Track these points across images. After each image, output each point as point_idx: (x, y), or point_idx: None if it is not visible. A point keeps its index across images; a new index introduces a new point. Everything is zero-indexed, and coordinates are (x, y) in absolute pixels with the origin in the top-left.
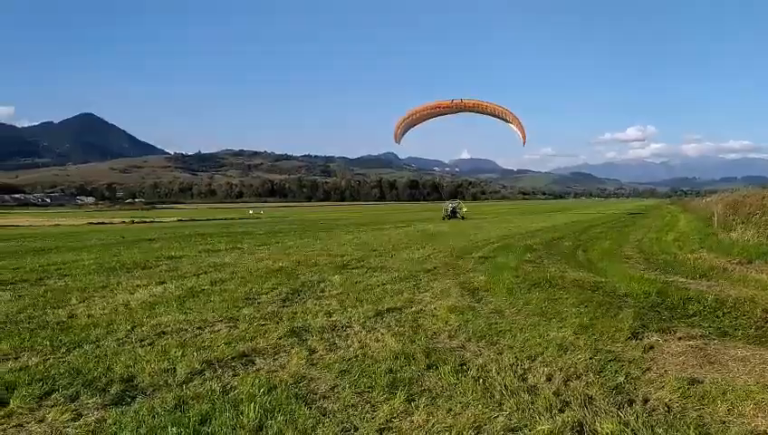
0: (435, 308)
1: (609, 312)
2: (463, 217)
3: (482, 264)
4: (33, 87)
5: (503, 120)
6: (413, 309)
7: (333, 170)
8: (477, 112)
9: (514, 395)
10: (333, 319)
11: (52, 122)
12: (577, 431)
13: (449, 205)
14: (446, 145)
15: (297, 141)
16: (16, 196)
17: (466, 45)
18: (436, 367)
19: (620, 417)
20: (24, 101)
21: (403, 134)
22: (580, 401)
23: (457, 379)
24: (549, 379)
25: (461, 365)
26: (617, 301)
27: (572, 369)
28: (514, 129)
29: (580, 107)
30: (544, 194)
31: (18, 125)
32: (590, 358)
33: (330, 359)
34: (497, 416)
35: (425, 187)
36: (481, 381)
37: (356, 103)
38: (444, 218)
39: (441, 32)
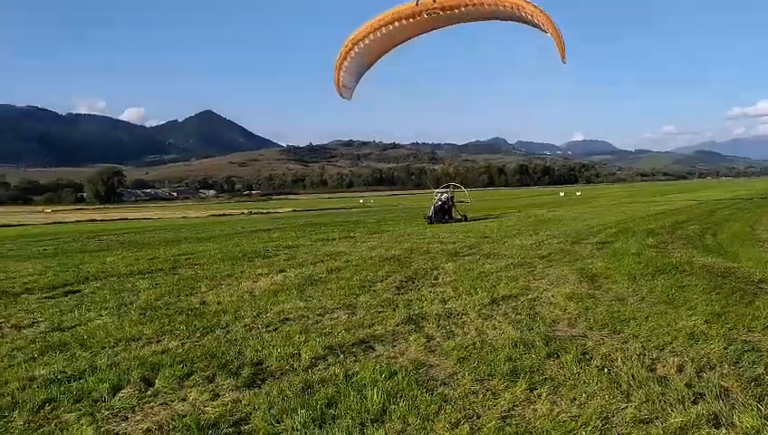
0: (552, 296)
1: (743, 299)
2: (464, 218)
3: (600, 249)
4: (159, 89)
5: (518, 20)
6: (529, 296)
7: (441, 157)
8: (467, 19)
9: (643, 386)
10: (449, 306)
11: (176, 121)
12: (713, 425)
13: (438, 195)
14: (556, 127)
15: (405, 130)
16: (147, 190)
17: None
18: (557, 355)
19: (761, 411)
20: (151, 102)
21: (354, 78)
22: (714, 392)
23: (580, 368)
24: (680, 369)
25: (583, 354)
26: (752, 287)
27: (705, 359)
28: (545, 34)
29: (705, 80)
30: (665, 175)
31: (147, 125)
32: (725, 348)
33: (447, 346)
34: (625, 407)
35: (535, 171)
36: (606, 370)
37: (464, 89)
38: (428, 221)
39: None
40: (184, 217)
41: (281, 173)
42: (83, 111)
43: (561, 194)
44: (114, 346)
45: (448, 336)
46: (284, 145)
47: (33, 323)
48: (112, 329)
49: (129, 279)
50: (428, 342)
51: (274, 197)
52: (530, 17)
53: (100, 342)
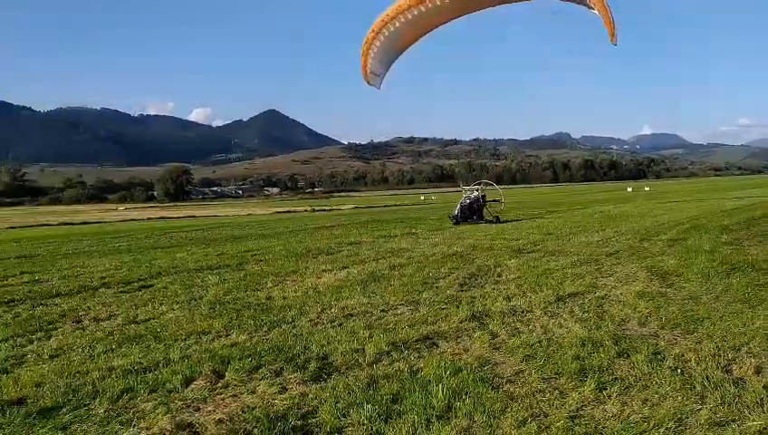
0: (621, 294)
1: None
2: (496, 220)
3: (671, 247)
4: (225, 89)
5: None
6: (597, 294)
7: (503, 153)
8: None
9: (718, 387)
10: (513, 304)
11: (241, 120)
12: None
13: (468, 192)
14: (623, 120)
15: (466, 126)
16: (214, 188)
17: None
18: (627, 355)
19: None
20: (218, 102)
21: (384, 66)
22: None
23: (652, 368)
24: (757, 371)
25: (655, 354)
26: None
27: None
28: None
29: None
30: (740, 169)
31: (214, 125)
32: None
33: (513, 343)
34: (700, 409)
35: (601, 166)
36: (679, 371)
37: (525, 83)
38: (454, 220)
39: None
40: (249, 215)
41: (342, 171)
42: (153, 112)
43: (629, 189)
44: (186, 339)
45: (513, 334)
46: (346, 143)
47: (111, 315)
48: (184, 322)
49: (198, 274)
50: (493, 339)
51: (336, 194)
52: None
53: (172, 334)
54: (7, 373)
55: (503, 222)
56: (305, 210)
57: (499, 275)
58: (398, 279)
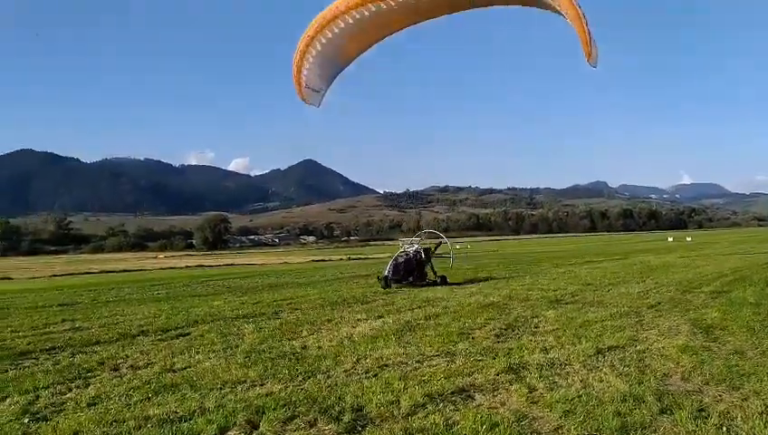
0: (663, 347)
1: None
2: (441, 280)
3: (714, 299)
4: (264, 139)
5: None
6: (638, 348)
7: (539, 202)
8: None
9: None
10: (551, 356)
11: (279, 169)
12: None
13: (408, 246)
14: (661, 169)
15: (501, 175)
16: (251, 237)
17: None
18: (671, 411)
19: None
20: (256, 152)
21: (324, 80)
22: None
23: (696, 425)
24: None
25: (699, 411)
26: None
27: None
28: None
29: None
30: None
31: (252, 174)
32: None
33: (551, 398)
34: None
35: (640, 216)
36: (724, 428)
37: (561, 131)
38: (383, 282)
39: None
40: (285, 263)
41: (378, 219)
42: (194, 161)
43: (670, 239)
44: (221, 388)
45: (551, 387)
46: (382, 192)
47: (148, 363)
48: (219, 371)
49: (234, 323)
50: (531, 392)
51: (372, 242)
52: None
53: (208, 383)
54: (47, 421)
55: (451, 284)
56: (341, 259)
57: (536, 327)
58: (434, 329)
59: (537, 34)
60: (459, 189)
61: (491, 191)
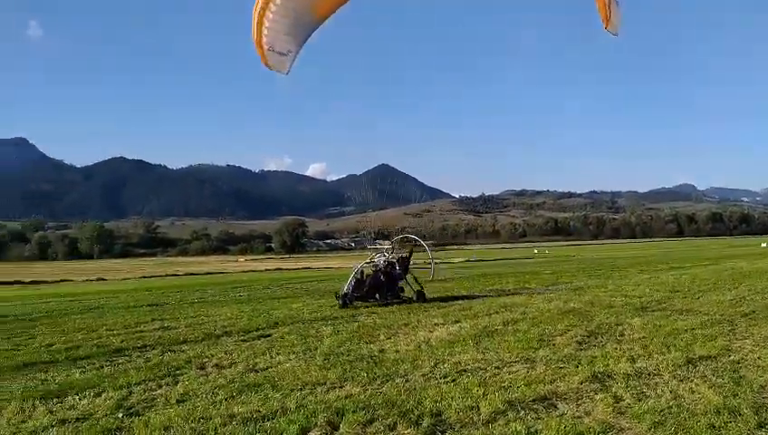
0: (759, 358)
1: None
2: (418, 296)
3: None
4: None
5: None
6: (731, 358)
7: (621, 206)
8: None
9: None
10: (638, 365)
11: (355, 174)
12: None
13: (379, 255)
14: (754, 171)
15: (581, 178)
16: (328, 241)
17: None
18: None
19: None
20: (332, 157)
21: (291, 41)
22: None
23: None
24: None
25: None
26: None
27: None
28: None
29: None
30: None
31: (328, 179)
32: None
33: (639, 409)
34: None
35: (731, 220)
36: None
37: (643, 133)
38: (341, 301)
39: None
40: None
41: (453, 224)
42: (273, 167)
43: (764, 245)
44: (302, 389)
45: (639, 398)
46: (457, 196)
47: (232, 363)
48: (299, 372)
49: (313, 325)
50: (617, 402)
51: (447, 247)
52: None
53: (289, 384)
54: (139, 416)
55: (429, 300)
56: (414, 263)
57: (621, 335)
58: (513, 335)
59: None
60: (537, 193)
61: (570, 195)
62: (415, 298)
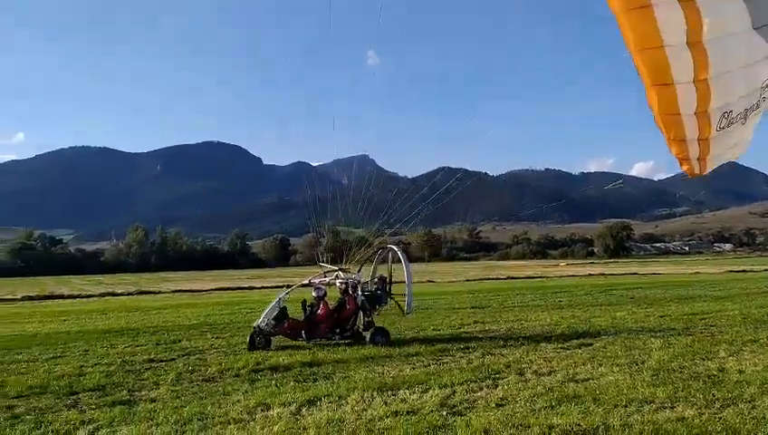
0: None
1: None
2: (377, 332)
3: None
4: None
5: None
6: None
7: None
8: None
9: None
10: None
11: (685, 173)
12: None
13: (341, 277)
14: None
15: None
16: (656, 245)
17: None
18: None
19: None
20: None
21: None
22: None
23: None
24: None
25: None
26: None
27: None
28: None
29: None
30: None
31: (656, 178)
32: None
33: None
34: None
35: None
36: None
37: None
38: (250, 345)
39: None
40: (696, 273)
41: None
42: (594, 169)
43: None
44: (626, 406)
45: None
46: None
47: (551, 371)
48: (624, 387)
49: (639, 336)
50: None
51: None
52: None
53: (612, 399)
54: (461, 416)
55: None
56: (765, 269)
57: None
58: None
59: None
60: None
61: None
62: (367, 338)
